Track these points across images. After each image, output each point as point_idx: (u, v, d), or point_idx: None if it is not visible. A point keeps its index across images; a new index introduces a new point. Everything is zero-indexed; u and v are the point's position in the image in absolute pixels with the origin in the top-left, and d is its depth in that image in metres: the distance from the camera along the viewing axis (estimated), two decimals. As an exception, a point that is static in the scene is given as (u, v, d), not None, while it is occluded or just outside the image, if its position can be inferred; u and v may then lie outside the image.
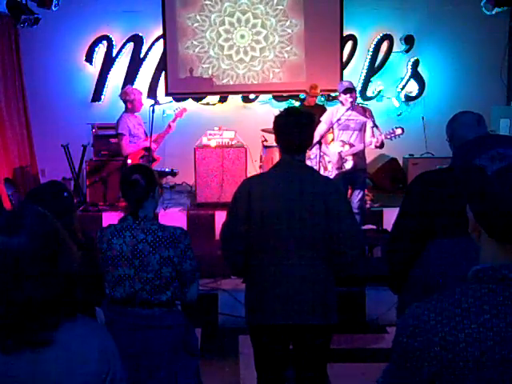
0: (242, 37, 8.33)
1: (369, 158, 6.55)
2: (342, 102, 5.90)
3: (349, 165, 5.95)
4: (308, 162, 6.02)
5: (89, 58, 8.30)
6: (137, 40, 8.34)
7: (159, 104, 7.00)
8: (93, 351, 1.38)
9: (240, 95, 8.48)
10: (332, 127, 5.99)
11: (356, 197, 6.04)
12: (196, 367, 2.88)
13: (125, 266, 2.71)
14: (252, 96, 8.49)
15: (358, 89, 8.16)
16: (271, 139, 6.61)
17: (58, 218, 2.64)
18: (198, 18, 8.30)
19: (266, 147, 6.96)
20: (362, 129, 5.96)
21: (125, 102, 6.38)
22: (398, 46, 8.40)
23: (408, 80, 8.41)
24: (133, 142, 6.36)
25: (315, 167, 5.72)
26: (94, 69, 8.36)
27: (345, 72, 8.30)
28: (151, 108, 6.40)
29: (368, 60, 8.41)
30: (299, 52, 8.35)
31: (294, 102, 8.42)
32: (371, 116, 6.00)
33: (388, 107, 8.49)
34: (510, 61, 8.40)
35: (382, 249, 5.49)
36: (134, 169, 2.89)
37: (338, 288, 3.03)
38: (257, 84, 8.39)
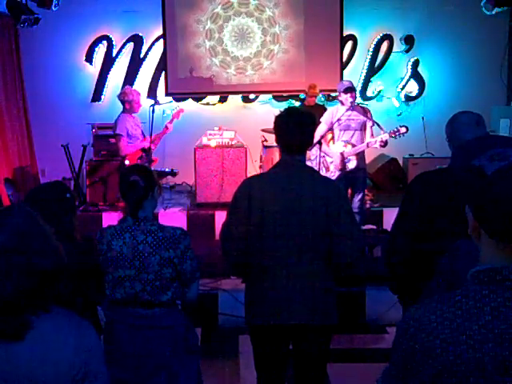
0: (243, 37, 8.33)
1: (369, 158, 6.56)
2: (341, 102, 5.90)
3: (352, 164, 5.95)
4: (308, 163, 6.04)
5: (89, 58, 8.30)
6: (137, 40, 8.34)
7: (159, 104, 7.01)
8: (67, 347, 1.38)
9: (240, 95, 8.48)
10: (332, 127, 5.99)
11: (356, 197, 6.04)
12: (197, 367, 2.88)
13: (125, 267, 2.71)
14: (252, 96, 8.49)
15: (358, 89, 8.16)
16: (271, 139, 6.62)
17: (58, 219, 2.66)
18: (197, 17, 8.30)
19: (265, 147, 6.96)
20: (362, 128, 5.96)
21: (123, 102, 6.37)
22: (398, 46, 8.40)
23: (408, 80, 8.41)
24: (130, 142, 6.36)
25: (316, 168, 5.72)
26: (93, 69, 8.36)
27: (345, 72, 8.30)
28: (151, 108, 6.40)
29: (368, 60, 8.41)
30: (299, 52, 8.35)
31: (294, 101, 8.42)
32: (371, 116, 6.00)
33: (388, 107, 8.49)
34: (510, 61, 8.40)
35: (382, 249, 5.49)
36: (132, 169, 2.88)
37: (338, 288, 3.03)
38: (257, 84, 8.39)
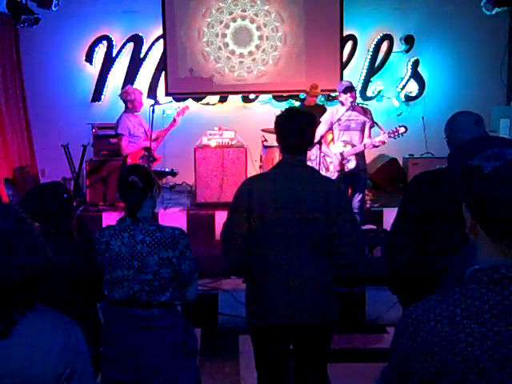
0: (243, 37, 8.33)
1: (369, 158, 6.56)
2: (341, 102, 5.90)
3: (352, 164, 5.95)
4: (309, 163, 6.04)
5: (89, 58, 8.31)
6: (137, 40, 8.34)
7: (159, 104, 7.01)
8: (54, 346, 1.39)
9: (240, 95, 8.48)
10: (332, 128, 5.99)
11: (356, 197, 6.04)
12: (195, 368, 2.88)
13: (123, 267, 2.71)
14: (252, 96, 8.50)
15: (358, 89, 8.17)
16: (271, 139, 6.63)
17: (56, 219, 2.66)
18: (197, 17, 8.30)
19: (265, 147, 6.97)
20: (362, 129, 5.96)
21: (125, 101, 6.38)
22: (398, 46, 8.41)
23: (408, 80, 8.42)
24: (132, 142, 6.36)
25: (316, 168, 5.72)
26: (93, 69, 8.36)
27: (345, 72, 8.30)
28: (151, 108, 6.40)
29: (368, 60, 8.41)
30: (299, 52, 8.35)
31: (294, 102, 8.42)
32: (371, 116, 6.00)
33: (388, 107, 8.49)
34: (510, 61, 8.40)
35: (382, 249, 5.49)
36: (130, 170, 2.87)
37: (338, 288, 3.03)
38: (257, 84, 8.39)
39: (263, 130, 7.09)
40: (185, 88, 8.39)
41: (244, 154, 7.07)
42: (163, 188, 6.84)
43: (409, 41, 8.30)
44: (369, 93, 8.46)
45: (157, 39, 8.36)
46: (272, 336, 2.93)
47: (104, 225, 6.14)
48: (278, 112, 3.08)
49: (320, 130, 5.81)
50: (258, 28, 8.31)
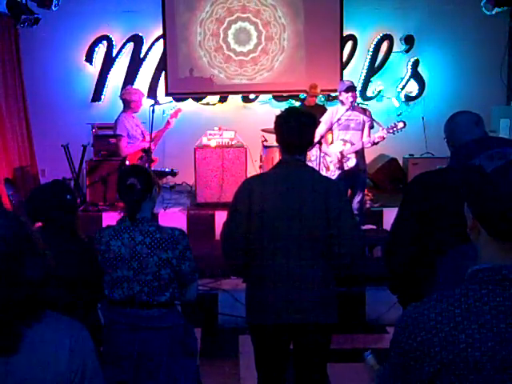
0: (243, 37, 8.33)
1: (369, 157, 6.57)
2: (342, 102, 5.90)
3: (352, 162, 5.95)
4: (309, 163, 6.04)
5: (89, 58, 8.31)
6: (137, 40, 8.34)
7: (159, 104, 7.00)
8: (63, 351, 1.38)
9: (240, 95, 8.48)
10: (332, 127, 5.99)
11: (356, 198, 6.04)
12: (195, 368, 2.88)
13: (123, 267, 2.71)
14: (252, 96, 8.49)
15: (358, 89, 8.16)
16: (271, 139, 6.62)
17: (59, 219, 2.67)
18: (197, 17, 8.30)
19: (265, 147, 6.96)
20: (362, 129, 5.96)
21: (126, 101, 6.37)
22: (398, 46, 8.40)
23: (408, 80, 8.41)
24: (131, 142, 6.35)
25: (316, 168, 5.72)
26: (93, 69, 8.36)
27: (345, 72, 8.30)
28: (151, 108, 6.40)
29: (368, 60, 8.41)
30: (299, 52, 8.35)
31: (294, 101, 8.42)
32: (370, 116, 6.00)
33: (388, 107, 8.49)
34: (510, 61, 8.40)
35: (382, 249, 5.49)
36: (129, 172, 2.87)
37: (338, 288, 3.03)
38: (257, 84, 8.39)
39: (263, 130, 7.08)
40: (185, 88, 8.39)
41: (244, 153, 7.07)
42: (163, 188, 6.84)
43: (409, 41, 8.30)
44: (369, 93, 8.46)
45: (157, 39, 8.35)
46: (272, 336, 2.93)
47: (104, 225, 6.14)
48: (278, 112, 3.08)
49: (320, 130, 5.81)
50: (258, 28, 8.31)
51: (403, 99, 8.48)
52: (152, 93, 8.35)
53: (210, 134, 7.18)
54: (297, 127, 2.89)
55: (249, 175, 5.82)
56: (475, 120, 2.65)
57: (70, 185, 3.12)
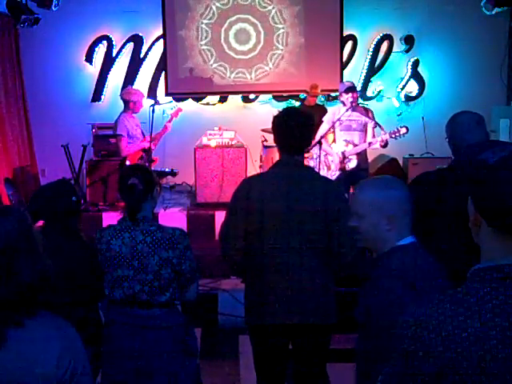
0: (243, 37, 8.32)
1: (369, 158, 6.56)
2: (343, 102, 5.91)
3: (353, 164, 5.95)
4: (311, 162, 6.06)
5: (89, 58, 8.30)
6: (137, 40, 8.34)
7: (159, 104, 7.01)
8: (52, 350, 1.40)
9: (240, 95, 8.48)
10: (333, 127, 6.00)
11: (357, 197, 6.03)
12: (196, 368, 2.88)
13: (124, 267, 2.71)
14: (252, 96, 8.49)
15: (358, 89, 8.15)
16: (271, 139, 6.59)
17: (62, 220, 2.67)
18: (197, 17, 8.30)
19: (265, 147, 6.96)
20: (363, 129, 5.96)
21: (126, 101, 6.37)
22: (398, 46, 8.40)
23: (408, 80, 8.41)
24: (131, 143, 6.36)
25: (317, 167, 5.73)
26: (93, 69, 8.35)
27: (345, 72, 8.30)
28: (151, 108, 6.40)
29: (368, 60, 8.41)
30: (299, 52, 8.35)
31: (294, 102, 8.42)
32: (373, 117, 6.00)
33: (388, 107, 8.49)
34: (510, 61, 8.40)
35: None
36: (131, 171, 2.87)
37: (338, 288, 3.03)
38: (257, 84, 8.39)
39: (263, 130, 7.08)
40: (185, 88, 8.39)
41: (244, 153, 7.07)
42: (163, 188, 6.84)
43: (409, 41, 8.29)
44: (369, 93, 8.46)
45: (157, 39, 8.35)
46: (271, 336, 2.93)
47: (104, 225, 6.14)
48: (277, 112, 3.08)
49: (322, 130, 5.83)
50: (258, 28, 8.31)
51: (403, 99, 8.48)
52: (152, 93, 8.34)
53: (210, 134, 7.18)
54: (295, 127, 2.89)
55: (249, 175, 5.82)
56: (476, 120, 2.65)
57: (75, 186, 3.11)
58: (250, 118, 8.28)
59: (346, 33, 8.29)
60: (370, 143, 5.89)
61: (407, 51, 8.36)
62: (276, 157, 6.43)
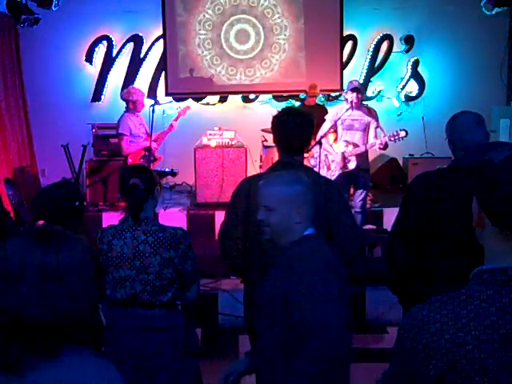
0: (243, 37, 8.33)
1: (369, 158, 6.56)
2: (347, 100, 5.92)
3: (352, 165, 5.95)
4: (311, 161, 6.06)
5: (89, 58, 8.30)
6: (137, 40, 8.34)
7: (159, 104, 7.01)
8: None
9: (240, 95, 8.48)
10: (336, 126, 6.00)
11: (358, 197, 6.03)
12: (196, 367, 2.88)
13: (125, 267, 2.71)
14: (252, 96, 8.49)
15: (358, 89, 8.16)
16: (271, 139, 6.60)
17: (63, 221, 2.66)
18: (197, 17, 8.30)
19: (265, 147, 6.96)
20: (365, 129, 5.96)
21: (127, 101, 6.38)
22: (398, 46, 8.40)
23: (408, 80, 8.41)
24: (133, 142, 6.36)
25: (317, 166, 5.73)
26: (93, 69, 8.35)
27: (345, 72, 8.30)
28: (151, 108, 6.40)
29: (368, 60, 8.41)
30: (299, 52, 8.34)
31: (293, 101, 8.42)
32: (376, 117, 6.00)
33: (388, 107, 8.49)
34: (510, 61, 8.40)
35: (382, 249, 5.49)
36: (131, 171, 2.87)
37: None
38: (257, 84, 8.39)
39: (263, 130, 7.08)
40: (185, 88, 8.39)
41: (244, 154, 7.07)
42: (163, 188, 6.84)
43: (409, 41, 8.29)
44: (369, 93, 8.45)
45: (157, 39, 8.35)
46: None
47: (104, 225, 6.14)
48: (276, 112, 3.08)
49: (323, 128, 5.83)
50: (258, 28, 8.31)
51: (403, 99, 8.48)
52: (152, 93, 8.34)
53: (210, 134, 7.18)
54: (294, 127, 2.89)
55: (249, 175, 5.82)
56: (476, 120, 2.65)
57: (79, 189, 3.10)
58: (250, 117, 8.28)
59: (346, 33, 8.29)
60: (366, 146, 5.89)
61: (407, 51, 8.36)
62: (276, 157, 6.43)
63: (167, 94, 8.30)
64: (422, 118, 8.30)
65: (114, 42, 8.29)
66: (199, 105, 8.47)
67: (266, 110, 8.30)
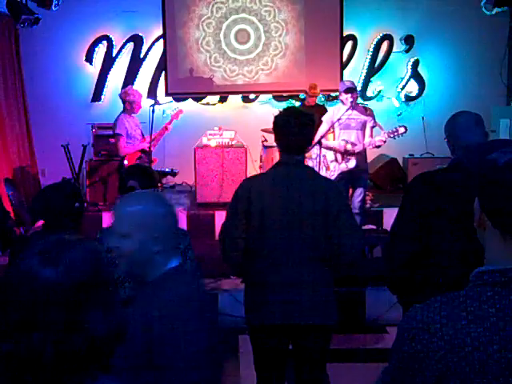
0: (243, 37, 8.33)
1: (369, 158, 6.55)
2: (342, 102, 5.91)
3: (352, 164, 5.95)
4: (309, 162, 6.06)
5: (89, 58, 8.30)
6: (137, 40, 8.34)
7: (159, 104, 7.00)
8: None
9: (240, 95, 8.48)
10: (333, 127, 6.00)
11: (357, 197, 6.03)
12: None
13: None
14: (252, 96, 8.49)
15: (358, 89, 8.15)
16: (271, 139, 6.59)
17: (63, 222, 2.66)
18: (197, 17, 8.29)
19: (265, 147, 6.96)
20: (362, 128, 5.96)
21: (124, 102, 6.37)
22: (398, 46, 8.40)
23: (408, 80, 8.41)
24: (130, 143, 6.35)
25: (316, 167, 5.72)
26: (93, 69, 8.36)
27: (345, 72, 8.30)
28: (151, 108, 6.40)
29: (368, 60, 8.41)
30: (299, 52, 8.35)
31: (293, 101, 8.42)
32: (372, 116, 6.00)
33: (388, 107, 8.49)
34: (510, 61, 8.40)
35: (382, 249, 5.49)
36: (131, 173, 2.87)
37: (338, 288, 3.03)
38: (257, 84, 8.39)
39: (263, 130, 7.08)
40: (185, 88, 8.39)
41: (244, 154, 7.07)
42: (164, 188, 6.85)
43: (409, 41, 8.30)
44: (369, 93, 8.46)
45: (157, 39, 8.35)
46: (270, 336, 2.93)
47: (104, 225, 6.14)
48: (277, 112, 3.08)
49: (321, 130, 5.82)
50: (258, 28, 8.31)
51: (403, 99, 8.48)
52: (152, 93, 8.35)
53: (210, 134, 7.18)
54: (296, 127, 2.89)
55: (249, 175, 5.82)
56: (475, 120, 2.65)
57: (79, 189, 3.08)
58: (249, 117, 8.29)
59: (346, 33, 8.29)
60: (363, 145, 5.89)
61: (407, 51, 8.37)
62: (276, 157, 6.47)
63: (167, 94, 8.30)
64: (422, 117, 8.31)
65: (113, 42, 8.30)
66: (199, 105, 8.47)
67: (266, 110, 8.30)
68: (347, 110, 5.83)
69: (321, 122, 5.91)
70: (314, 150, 5.85)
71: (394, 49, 8.41)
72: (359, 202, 6.02)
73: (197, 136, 7.33)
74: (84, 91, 8.35)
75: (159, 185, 2.91)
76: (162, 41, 8.26)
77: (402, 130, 5.80)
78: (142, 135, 6.50)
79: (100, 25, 8.21)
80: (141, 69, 8.41)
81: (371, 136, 5.95)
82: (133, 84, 7.99)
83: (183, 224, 6.51)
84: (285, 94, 8.42)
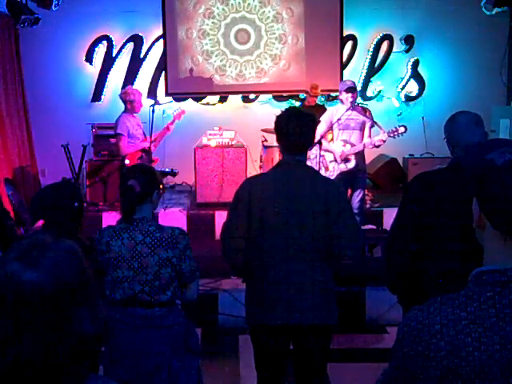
0: (243, 37, 8.33)
1: (369, 158, 6.57)
2: (342, 101, 5.91)
3: (351, 164, 5.95)
4: (308, 163, 6.06)
5: (89, 58, 8.31)
6: (137, 40, 8.34)
7: (159, 104, 7.01)
8: None
9: (240, 95, 8.48)
10: (332, 127, 6.00)
11: (356, 197, 6.03)
12: (197, 366, 2.88)
13: (124, 267, 2.71)
14: (252, 96, 8.49)
15: (358, 89, 8.15)
16: (271, 139, 6.63)
17: (63, 222, 2.66)
18: (197, 17, 8.30)
19: (265, 147, 6.96)
20: (362, 128, 5.96)
21: (125, 102, 6.37)
22: (398, 46, 8.40)
23: (408, 80, 8.41)
24: (131, 142, 6.35)
25: (315, 167, 5.72)
26: (93, 69, 8.36)
27: (345, 72, 8.30)
28: (151, 108, 6.40)
29: (368, 60, 8.41)
30: (299, 52, 8.35)
31: (294, 101, 8.42)
32: (371, 116, 6.00)
33: (388, 107, 8.49)
34: (510, 61, 8.40)
35: (382, 249, 5.49)
36: (132, 172, 2.86)
37: (338, 288, 3.03)
38: (257, 84, 8.39)
39: (263, 130, 7.08)
40: (185, 88, 8.39)
41: (244, 153, 7.08)
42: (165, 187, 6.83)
43: (409, 41, 8.30)
44: (369, 93, 8.46)
45: (157, 39, 8.35)
46: (271, 336, 2.93)
47: (104, 225, 6.14)
48: (278, 112, 3.08)
49: (320, 130, 5.81)
50: (258, 28, 8.31)
51: (403, 99, 8.48)
52: (152, 93, 8.35)
53: (210, 134, 7.18)
54: (297, 127, 2.89)
55: (249, 175, 5.82)
56: (475, 120, 2.65)
57: (78, 189, 3.08)
58: (249, 117, 8.29)
59: (346, 33, 8.29)
60: (364, 144, 5.89)
61: (407, 51, 8.37)
62: (276, 157, 6.47)
63: (167, 94, 8.30)
64: (422, 117, 8.31)
65: (113, 42, 8.30)
66: (199, 105, 8.47)
67: (266, 110, 8.31)
68: (347, 110, 5.84)
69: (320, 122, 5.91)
70: (313, 151, 5.85)
71: (394, 49, 8.41)
72: (358, 201, 6.02)
73: (197, 136, 7.34)
74: (84, 91, 8.35)
75: (161, 186, 2.90)
76: (161, 41, 8.26)
77: (402, 129, 5.81)
78: (144, 135, 6.50)
79: (100, 25, 8.21)
80: (141, 69, 8.41)
81: (370, 136, 5.95)
82: (133, 84, 7.99)
83: (183, 224, 6.51)
84: (285, 94, 8.42)
